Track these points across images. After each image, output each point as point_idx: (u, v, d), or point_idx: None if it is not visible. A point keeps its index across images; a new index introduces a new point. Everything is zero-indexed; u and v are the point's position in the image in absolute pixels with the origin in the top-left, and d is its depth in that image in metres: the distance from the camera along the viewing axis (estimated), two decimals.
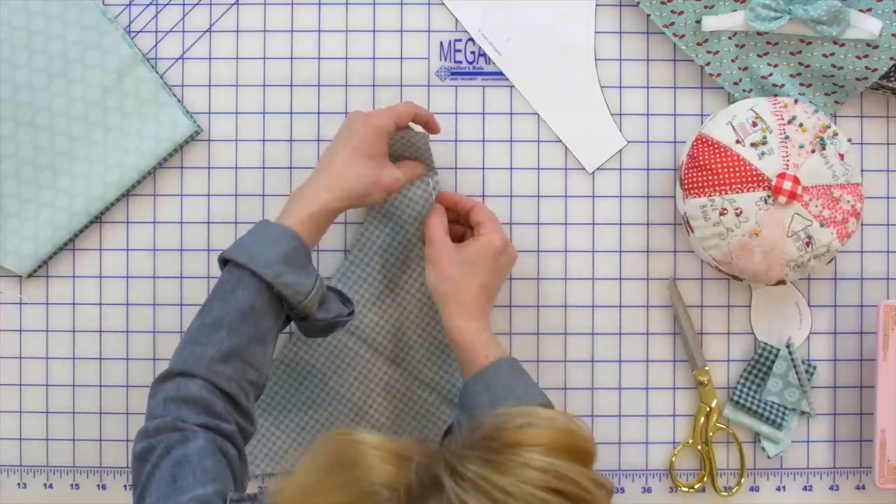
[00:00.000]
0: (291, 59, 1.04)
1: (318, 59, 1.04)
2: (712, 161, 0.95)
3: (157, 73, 1.03)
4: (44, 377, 1.05)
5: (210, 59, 1.04)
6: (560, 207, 1.04)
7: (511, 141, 1.04)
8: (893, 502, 1.05)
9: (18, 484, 1.05)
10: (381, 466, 0.63)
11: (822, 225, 0.95)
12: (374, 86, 1.04)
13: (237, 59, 1.04)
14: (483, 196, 1.04)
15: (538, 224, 1.04)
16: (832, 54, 0.99)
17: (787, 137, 0.95)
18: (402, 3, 1.04)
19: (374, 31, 1.04)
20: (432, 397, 1.02)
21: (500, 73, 1.04)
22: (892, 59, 0.98)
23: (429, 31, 1.04)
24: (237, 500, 0.75)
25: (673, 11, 1.01)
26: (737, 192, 0.94)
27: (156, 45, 1.04)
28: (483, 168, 1.04)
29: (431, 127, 0.98)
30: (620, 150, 1.04)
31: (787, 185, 0.93)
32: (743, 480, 1.04)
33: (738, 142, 0.95)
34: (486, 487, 0.61)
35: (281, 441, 1.03)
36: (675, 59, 1.04)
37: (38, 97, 1.01)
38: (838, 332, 1.05)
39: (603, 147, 1.04)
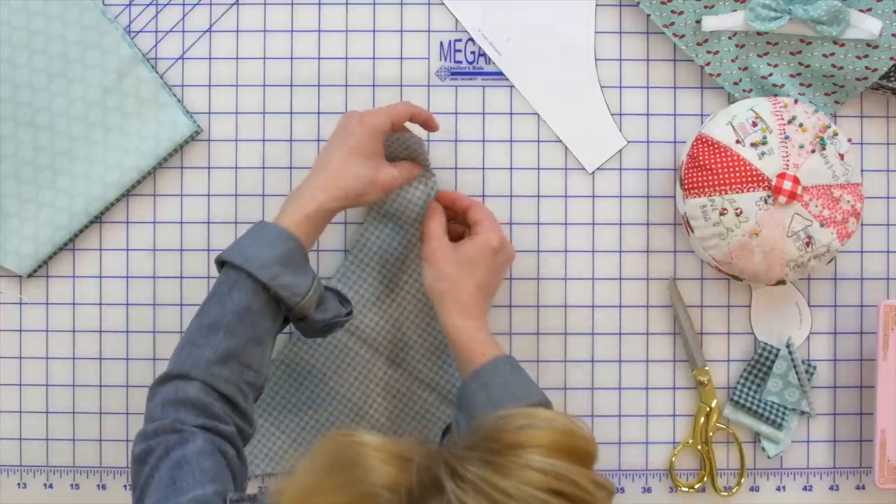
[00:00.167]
0: (291, 59, 1.04)
1: (318, 59, 1.04)
2: (712, 161, 0.95)
3: (157, 73, 1.03)
4: (44, 377, 1.05)
5: (210, 59, 1.04)
6: (560, 207, 1.04)
7: (511, 141, 1.04)
8: (893, 502, 1.05)
9: (18, 484, 1.05)
10: (381, 468, 0.63)
11: (822, 225, 0.95)
12: (374, 86, 1.04)
13: (237, 59, 1.04)
14: (483, 196, 1.04)
15: (538, 224, 1.04)
16: (832, 54, 0.99)
17: (787, 137, 0.95)
18: (402, 3, 1.04)
19: (374, 31, 1.04)
20: (432, 397, 1.02)
21: (500, 73, 1.04)
22: (892, 59, 0.98)
23: (429, 31, 1.04)
24: (237, 501, 0.75)
25: (673, 11, 1.01)
26: (737, 192, 0.94)
27: (156, 45, 1.04)
28: (483, 168, 1.04)
29: (430, 125, 0.97)
30: (620, 150, 1.04)
31: (787, 185, 0.93)
32: (743, 480, 1.04)
33: (738, 142, 0.95)
34: (486, 489, 0.61)
35: (280, 441, 1.03)
36: (675, 59, 1.04)
37: (38, 97, 1.01)
38: (838, 332, 1.05)
39: (603, 147, 1.04)
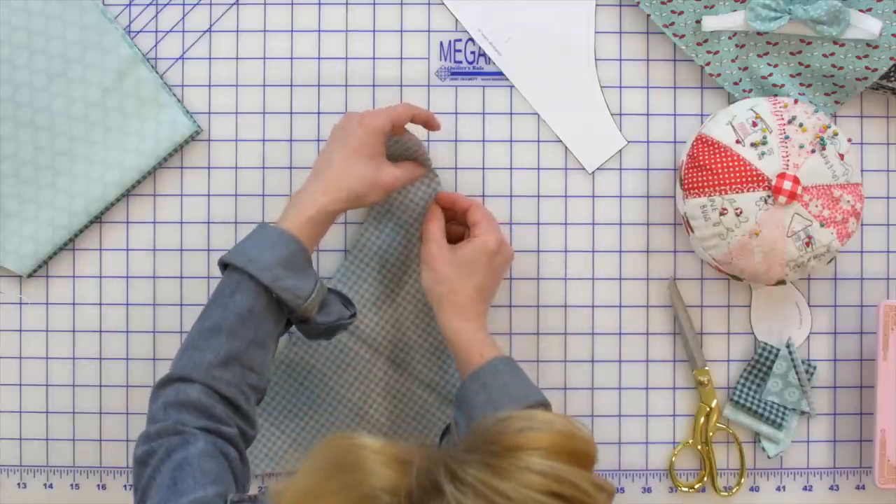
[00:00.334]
0: (291, 59, 1.04)
1: (318, 59, 1.04)
2: (712, 161, 0.95)
3: (157, 73, 1.03)
4: (44, 377, 1.05)
5: (210, 59, 1.04)
6: (560, 207, 1.04)
7: (511, 141, 1.04)
8: (893, 502, 1.05)
9: (18, 484, 1.05)
10: (381, 471, 0.63)
11: (822, 225, 0.95)
12: (374, 86, 1.04)
13: (237, 59, 1.04)
14: (483, 196, 1.04)
15: (538, 224, 1.04)
16: (832, 54, 0.99)
17: (787, 137, 0.95)
18: (402, 3, 1.04)
19: (374, 31, 1.04)
20: (432, 398, 1.02)
21: (500, 73, 1.04)
22: (892, 59, 0.98)
23: (429, 31, 1.04)
24: (237, 502, 0.75)
25: (673, 11, 1.01)
26: (737, 192, 0.94)
27: (156, 45, 1.04)
28: (483, 168, 1.04)
29: (431, 125, 0.97)
30: (620, 150, 1.04)
31: (787, 185, 0.93)
32: (743, 480, 1.04)
33: (738, 142, 0.95)
34: (486, 492, 0.61)
35: (281, 441, 1.03)
36: (675, 59, 1.04)
37: (38, 97, 1.01)
38: (838, 332, 1.05)
39: (603, 147, 1.04)
